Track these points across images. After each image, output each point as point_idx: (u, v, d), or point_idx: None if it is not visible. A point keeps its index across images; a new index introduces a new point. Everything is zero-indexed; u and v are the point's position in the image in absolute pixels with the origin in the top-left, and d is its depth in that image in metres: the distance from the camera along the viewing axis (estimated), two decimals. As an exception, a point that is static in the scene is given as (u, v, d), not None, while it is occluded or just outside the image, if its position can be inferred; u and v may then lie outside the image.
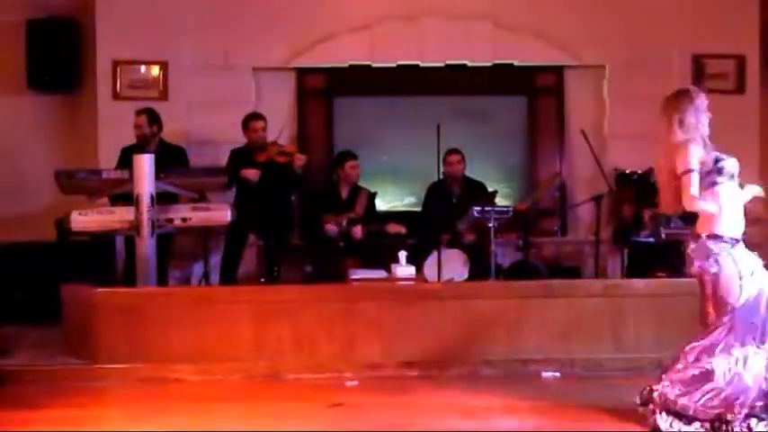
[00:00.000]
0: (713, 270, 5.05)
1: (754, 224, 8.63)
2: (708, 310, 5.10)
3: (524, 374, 6.36)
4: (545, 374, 6.41)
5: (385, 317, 6.63)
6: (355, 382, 6.16)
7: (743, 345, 4.95)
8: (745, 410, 4.84)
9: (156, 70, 8.91)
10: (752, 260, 5.15)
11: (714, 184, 5.16)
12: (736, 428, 4.80)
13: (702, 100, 5.30)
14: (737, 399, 4.85)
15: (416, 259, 7.64)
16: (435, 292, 6.92)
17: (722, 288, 5.04)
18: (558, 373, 6.43)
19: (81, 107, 9.07)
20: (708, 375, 4.93)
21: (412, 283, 7.14)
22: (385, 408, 5.57)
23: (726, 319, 5.00)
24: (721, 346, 4.96)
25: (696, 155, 5.10)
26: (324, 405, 5.59)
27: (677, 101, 5.22)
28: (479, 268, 7.73)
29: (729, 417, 4.81)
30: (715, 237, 5.08)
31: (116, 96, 8.85)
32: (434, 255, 7.62)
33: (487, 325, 6.62)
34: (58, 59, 8.90)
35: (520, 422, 5.19)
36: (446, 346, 6.58)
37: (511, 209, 7.87)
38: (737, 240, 5.12)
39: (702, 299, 5.14)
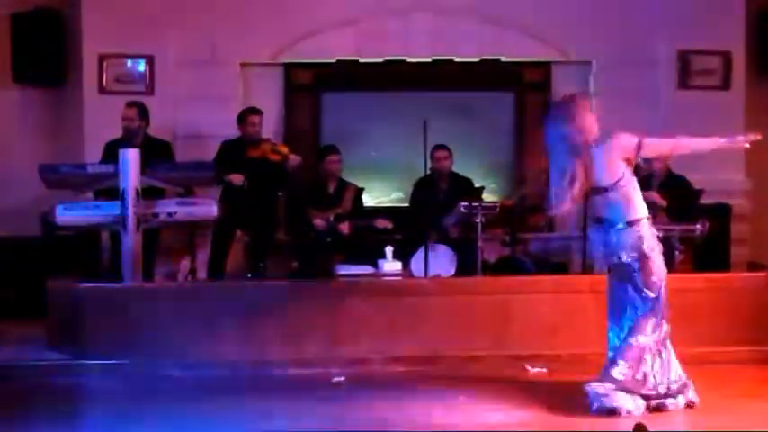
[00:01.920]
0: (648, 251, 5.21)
1: (740, 221, 8.75)
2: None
3: (511, 370, 6.36)
4: (532, 370, 6.42)
5: (371, 312, 6.62)
6: (342, 378, 6.15)
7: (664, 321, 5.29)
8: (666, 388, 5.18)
9: (142, 65, 8.88)
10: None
11: None
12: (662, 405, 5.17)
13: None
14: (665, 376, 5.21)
15: (403, 255, 7.64)
16: (422, 288, 6.92)
17: (655, 266, 5.24)
18: (544, 369, 6.43)
19: (66, 101, 9.03)
20: (642, 352, 5.18)
21: (399, 278, 7.14)
22: (372, 403, 5.57)
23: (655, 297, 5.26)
24: (653, 323, 5.26)
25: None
26: (311, 401, 5.58)
27: (571, 109, 5.34)
28: (466, 264, 7.73)
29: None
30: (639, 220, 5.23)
31: (102, 90, 8.82)
32: (421, 250, 7.62)
33: (474, 321, 6.63)
34: (44, 53, 8.86)
35: (506, 417, 5.19)
36: (433, 341, 6.58)
37: (498, 205, 7.87)
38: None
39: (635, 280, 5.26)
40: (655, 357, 5.23)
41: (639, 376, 5.18)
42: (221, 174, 7.93)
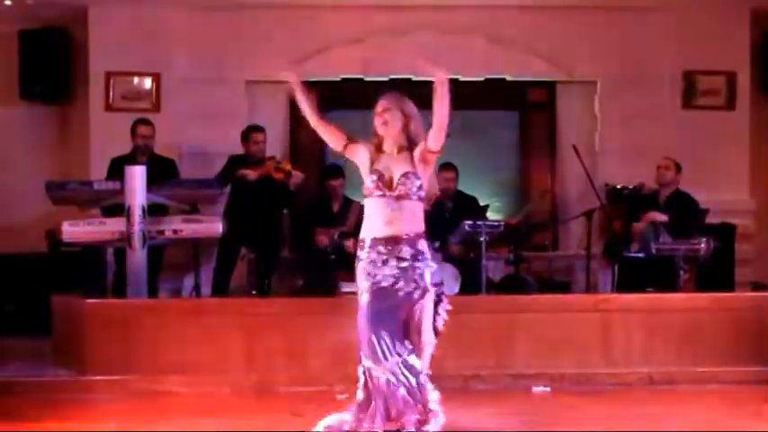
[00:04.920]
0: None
1: (744, 241, 8.76)
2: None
3: (515, 389, 6.35)
4: (535, 389, 6.41)
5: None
6: (346, 395, 6.14)
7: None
8: None
9: (148, 82, 8.92)
10: None
11: None
12: None
13: None
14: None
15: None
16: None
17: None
18: (548, 388, 6.43)
19: (73, 118, 9.08)
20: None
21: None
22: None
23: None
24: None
25: None
26: (315, 418, 5.57)
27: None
28: (470, 282, 7.73)
29: None
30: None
31: (108, 108, 8.86)
32: (426, 268, 7.60)
33: (478, 339, 6.62)
34: (51, 70, 8.91)
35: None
36: (436, 359, 6.55)
37: (502, 223, 7.88)
38: None
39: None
40: None
41: None
42: (228, 181, 7.95)
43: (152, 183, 7.22)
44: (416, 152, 4.79)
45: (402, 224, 4.74)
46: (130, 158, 7.83)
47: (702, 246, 7.56)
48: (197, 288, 7.92)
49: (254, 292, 7.98)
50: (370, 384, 4.71)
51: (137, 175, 7.12)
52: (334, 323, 6.62)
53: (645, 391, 6.42)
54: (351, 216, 8.28)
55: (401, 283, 4.70)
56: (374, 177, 4.76)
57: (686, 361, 6.65)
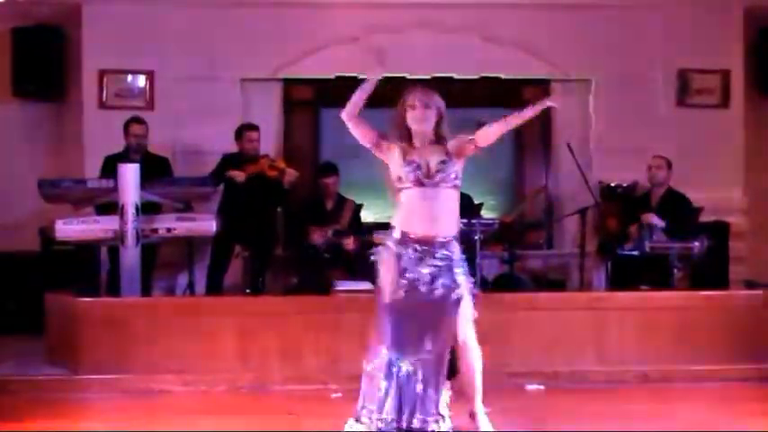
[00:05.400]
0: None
1: (738, 239, 8.77)
2: None
3: (509, 387, 6.35)
4: (529, 387, 6.41)
5: (371, 328, 6.60)
6: (340, 394, 6.14)
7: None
8: None
9: (142, 80, 8.90)
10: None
11: None
12: None
13: None
14: None
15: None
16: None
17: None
18: (542, 386, 6.43)
19: (67, 116, 9.05)
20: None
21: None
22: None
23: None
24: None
25: None
26: (309, 417, 5.57)
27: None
28: (465, 280, 7.71)
29: None
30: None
31: (102, 105, 8.84)
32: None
33: (472, 337, 6.61)
34: (44, 68, 8.88)
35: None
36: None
37: (496, 221, 7.88)
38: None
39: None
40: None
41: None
42: (221, 180, 7.95)
43: (146, 181, 7.20)
44: (453, 143, 4.80)
45: (440, 223, 4.73)
46: (124, 156, 7.81)
47: (696, 244, 7.57)
48: (191, 286, 7.91)
49: (248, 291, 7.96)
50: (383, 377, 4.67)
51: (130, 174, 7.11)
52: (329, 321, 6.64)
53: (639, 388, 6.42)
54: (345, 214, 8.28)
55: (436, 283, 4.68)
56: (412, 166, 4.71)
57: (680, 359, 6.66)
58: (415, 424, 4.63)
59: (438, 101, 4.87)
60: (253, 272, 8.09)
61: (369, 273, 7.51)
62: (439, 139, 4.83)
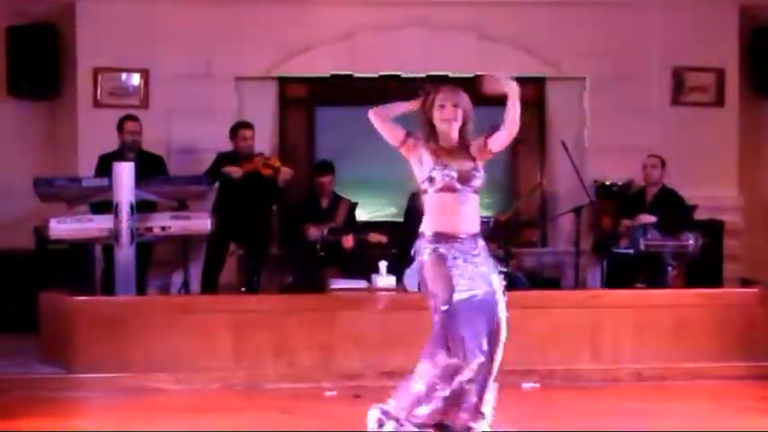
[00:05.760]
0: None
1: (732, 237, 8.78)
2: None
3: (504, 385, 6.33)
4: (525, 385, 6.41)
5: (365, 327, 6.62)
6: (334, 393, 6.14)
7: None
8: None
9: (137, 78, 8.89)
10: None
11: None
12: None
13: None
14: None
15: (397, 269, 7.63)
16: (415, 303, 6.89)
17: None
18: (537, 384, 6.43)
19: (61, 114, 9.03)
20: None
21: (392, 293, 7.13)
22: (364, 418, 5.55)
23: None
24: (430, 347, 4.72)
25: None
26: (303, 416, 5.57)
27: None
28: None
29: None
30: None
31: (96, 104, 8.83)
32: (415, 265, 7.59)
33: (467, 335, 6.61)
34: (39, 66, 8.85)
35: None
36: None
37: (491, 219, 7.88)
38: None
39: None
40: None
41: None
42: (216, 178, 7.94)
43: (140, 179, 7.20)
44: (473, 148, 4.81)
45: (470, 224, 4.74)
46: (118, 155, 7.80)
47: (691, 242, 7.58)
48: (186, 285, 7.90)
49: (243, 289, 7.96)
50: (441, 381, 4.64)
51: (125, 172, 7.09)
52: (323, 320, 6.64)
53: (634, 387, 6.43)
54: (340, 212, 8.28)
55: (483, 282, 4.72)
56: (446, 171, 4.68)
57: (675, 357, 6.66)
58: (458, 422, 4.67)
59: (466, 101, 4.90)
60: (248, 270, 8.09)
61: (364, 271, 7.56)
62: (463, 140, 4.82)
